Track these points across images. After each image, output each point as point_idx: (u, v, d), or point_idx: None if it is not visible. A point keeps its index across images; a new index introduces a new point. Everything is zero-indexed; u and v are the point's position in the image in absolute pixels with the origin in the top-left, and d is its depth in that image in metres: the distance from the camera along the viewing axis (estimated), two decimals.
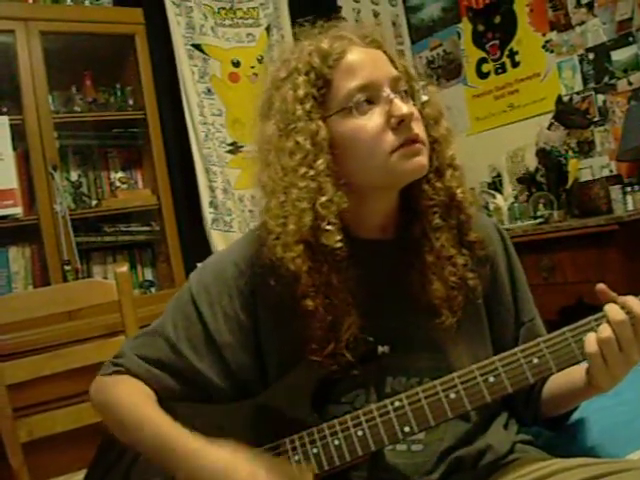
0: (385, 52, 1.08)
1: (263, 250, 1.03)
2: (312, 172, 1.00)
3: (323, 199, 0.99)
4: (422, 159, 1.03)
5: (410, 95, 1.07)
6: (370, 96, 1.02)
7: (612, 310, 0.95)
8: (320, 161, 1.00)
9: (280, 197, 1.01)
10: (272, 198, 1.02)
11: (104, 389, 1.12)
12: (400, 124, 1.01)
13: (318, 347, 1.02)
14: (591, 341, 0.94)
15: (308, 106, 1.02)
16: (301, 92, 1.02)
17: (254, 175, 1.08)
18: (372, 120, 1.01)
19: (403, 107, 1.00)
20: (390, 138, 1.01)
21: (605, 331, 0.94)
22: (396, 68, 1.07)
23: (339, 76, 1.02)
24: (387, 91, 1.02)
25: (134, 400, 1.07)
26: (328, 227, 0.98)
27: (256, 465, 0.94)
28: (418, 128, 1.03)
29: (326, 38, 1.06)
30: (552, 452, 1.16)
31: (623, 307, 0.95)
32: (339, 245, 0.99)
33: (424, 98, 1.08)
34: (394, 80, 1.04)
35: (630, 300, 0.95)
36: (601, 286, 0.98)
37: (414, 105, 1.06)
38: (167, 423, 1.02)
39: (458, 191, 1.08)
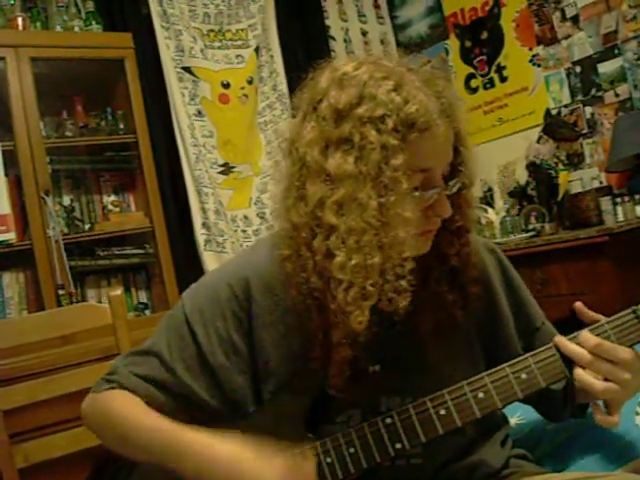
0: (454, 127, 1.02)
1: (285, 270, 1.02)
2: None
3: (410, 266, 0.95)
4: (430, 242, 1.04)
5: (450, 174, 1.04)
6: (426, 180, 0.99)
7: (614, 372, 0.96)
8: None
9: (374, 254, 0.93)
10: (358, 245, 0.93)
11: (100, 405, 1.11)
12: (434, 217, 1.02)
13: (314, 366, 1.02)
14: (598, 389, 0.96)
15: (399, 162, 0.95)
16: (394, 142, 0.93)
17: (292, 188, 0.99)
18: (417, 202, 0.98)
19: (447, 209, 1.00)
20: (422, 222, 1.00)
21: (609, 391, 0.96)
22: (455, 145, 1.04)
23: (410, 146, 0.95)
24: (441, 184, 1.00)
25: (133, 410, 1.07)
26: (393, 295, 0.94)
27: (269, 459, 0.94)
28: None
29: (411, 87, 0.96)
30: (547, 466, 1.16)
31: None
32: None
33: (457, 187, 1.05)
34: (448, 164, 1.03)
35: (619, 351, 0.96)
36: (578, 305, 1.01)
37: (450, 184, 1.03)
38: (170, 424, 1.02)
39: (456, 251, 1.08)
